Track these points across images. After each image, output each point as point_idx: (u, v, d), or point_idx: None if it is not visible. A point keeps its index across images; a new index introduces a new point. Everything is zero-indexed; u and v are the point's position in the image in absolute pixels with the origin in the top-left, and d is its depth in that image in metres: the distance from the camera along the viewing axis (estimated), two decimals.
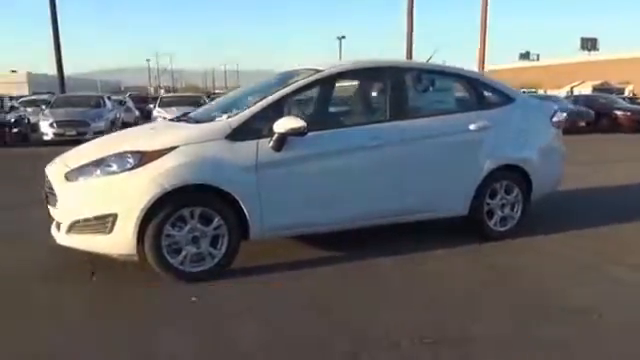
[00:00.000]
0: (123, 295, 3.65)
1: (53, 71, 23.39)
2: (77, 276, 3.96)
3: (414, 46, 25.81)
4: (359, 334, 3.06)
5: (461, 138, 4.67)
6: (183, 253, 3.80)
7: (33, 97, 26.31)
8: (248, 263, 4.17)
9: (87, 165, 3.82)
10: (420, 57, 27.71)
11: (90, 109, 15.84)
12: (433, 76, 4.80)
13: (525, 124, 5.03)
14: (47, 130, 14.60)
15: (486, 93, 5.00)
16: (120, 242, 3.68)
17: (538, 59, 74.04)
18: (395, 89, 4.51)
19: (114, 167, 3.74)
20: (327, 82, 4.47)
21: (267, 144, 3.91)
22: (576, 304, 3.49)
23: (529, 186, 5.03)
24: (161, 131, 4.33)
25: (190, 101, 19.11)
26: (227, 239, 3.89)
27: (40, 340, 3.02)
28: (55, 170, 4.00)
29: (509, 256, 4.50)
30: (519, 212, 5.02)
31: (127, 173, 3.70)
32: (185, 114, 4.96)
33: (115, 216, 3.64)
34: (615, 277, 4.01)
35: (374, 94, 4.84)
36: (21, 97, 25.93)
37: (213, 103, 5.42)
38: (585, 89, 40.73)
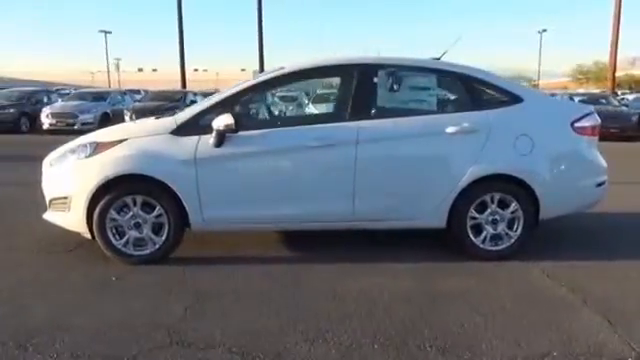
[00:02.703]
0: (74, 268, 4.15)
1: None
2: (58, 247, 4.59)
3: None
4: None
5: (433, 142, 4.21)
6: (126, 236, 4.16)
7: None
8: (207, 252, 4.42)
9: (63, 152, 4.41)
10: None
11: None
12: (409, 73, 4.37)
13: (532, 128, 4.29)
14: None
15: (481, 92, 4.40)
16: (75, 221, 4.19)
17: None
18: (360, 88, 4.26)
19: (77, 155, 4.27)
20: (279, 82, 4.41)
21: (208, 140, 4.07)
22: None
23: (535, 202, 4.32)
24: (130, 124, 4.76)
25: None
26: (167, 227, 4.16)
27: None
28: (48, 157, 4.69)
29: (466, 279, 3.96)
30: (519, 231, 4.33)
31: (83, 160, 4.19)
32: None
33: (70, 198, 4.17)
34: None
35: (336, 93, 4.61)
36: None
37: None
38: None
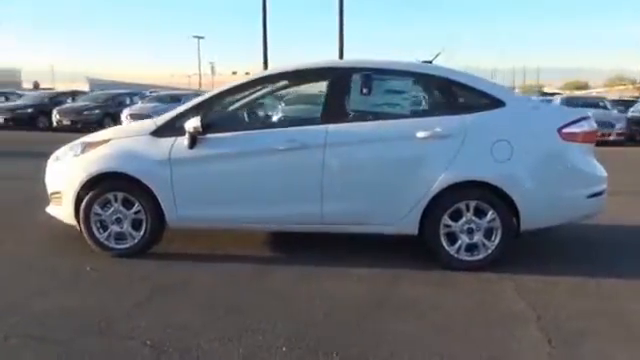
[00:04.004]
0: (60, 257, 4.46)
1: None
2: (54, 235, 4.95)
3: None
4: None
5: (403, 146, 4.10)
6: (108, 230, 4.42)
7: None
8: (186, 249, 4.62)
9: (65, 150, 4.76)
10: None
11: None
12: (384, 76, 4.27)
13: (512, 134, 4.07)
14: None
15: (458, 96, 4.23)
16: (67, 214, 4.51)
17: None
18: (332, 91, 4.25)
19: (72, 153, 4.60)
20: (253, 86, 4.48)
21: (182, 142, 4.24)
22: None
23: (516, 212, 4.09)
24: (119, 126, 5.02)
25: None
26: (145, 223, 4.37)
27: None
28: (54, 153, 5.06)
29: (425, 288, 3.83)
30: (497, 240, 4.11)
31: (74, 159, 4.51)
32: None
33: (62, 193, 4.50)
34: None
35: (310, 97, 4.59)
36: None
37: None
38: None
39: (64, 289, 3.79)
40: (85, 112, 19.19)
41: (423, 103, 4.40)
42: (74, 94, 23.01)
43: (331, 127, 4.15)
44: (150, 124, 4.44)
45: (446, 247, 4.15)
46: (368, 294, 3.74)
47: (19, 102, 21.85)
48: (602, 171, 4.31)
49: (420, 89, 4.40)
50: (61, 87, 44.78)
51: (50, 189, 4.70)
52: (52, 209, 4.72)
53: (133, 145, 4.37)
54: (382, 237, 4.58)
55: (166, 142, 4.29)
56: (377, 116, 4.23)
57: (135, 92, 23.83)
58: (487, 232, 4.13)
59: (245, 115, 4.55)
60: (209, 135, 4.21)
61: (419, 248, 4.39)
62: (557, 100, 18.83)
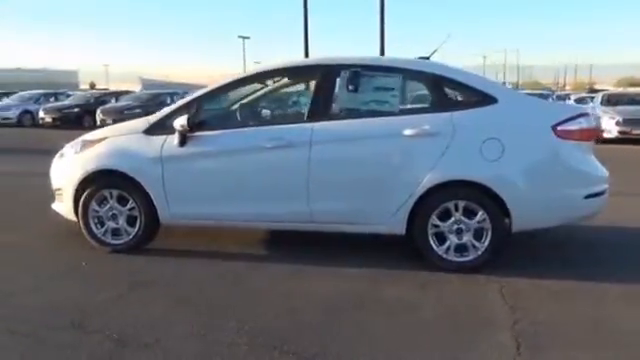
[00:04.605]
0: (61, 250, 4.62)
1: None
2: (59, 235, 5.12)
3: None
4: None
5: (390, 144, 4.03)
6: (105, 226, 4.54)
7: None
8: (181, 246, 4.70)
9: (68, 147, 4.92)
10: None
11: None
12: (373, 73, 4.17)
13: (503, 132, 3.93)
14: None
15: (448, 92, 4.11)
16: (67, 210, 4.66)
17: None
18: (320, 89, 4.21)
19: (73, 150, 4.75)
20: (243, 84, 4.48)
21: (173, 140, 4.30)
22: None
23: (507, 213, 3.95)
24: (116, 125, 5.12)
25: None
26: (139, 220, 4.47)
27: None
28: (61, 150, 5.23)
29: (409, 288, 3.75)
30: (487, 242, 3.99)
31: (74, 156, 4.66)
32: None
33: (63, 189, 4.65)
34: None
35: (297, 94, 4.55)
36: None
37: None
38: None
39: (55, 283, 3.91)
40: (126, 111, 19.76)
41: (412, 100, 4.31)
42: (118, 94, 23.80)
43: (317, 125, 4.12)
44: (144, 122, 4.53)
45: (435, 247, 4.05)
46: (351, 294, 3.69)
47: (67, 102, 22.79)
48: (602, 171, 4.11)
49: (410, 86, 4.31)
50: (115, 87, 46.50)
51: (54, 185, 4.87)
52: (56, 205, 4.89)
53: (127, 143, 4.47)
54: (378, 236, 4.51)
55: (158, 140, 4.37)
56: (364, 113, 4.16)
57: (177, 92, 24.40)
58: (477, 233, 4.00)
59: (234, 113, 4.57)
60: (198, 133, 4.26)
61: (414, 248, 4.31)
62: (571, 99, 17.94)
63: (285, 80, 4.77)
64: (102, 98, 22.64)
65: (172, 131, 4.30)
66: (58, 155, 4.99)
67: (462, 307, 3.46)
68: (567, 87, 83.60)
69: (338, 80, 4.21)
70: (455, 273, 3.99)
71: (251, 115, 4.51)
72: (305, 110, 4.24)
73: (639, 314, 3.33)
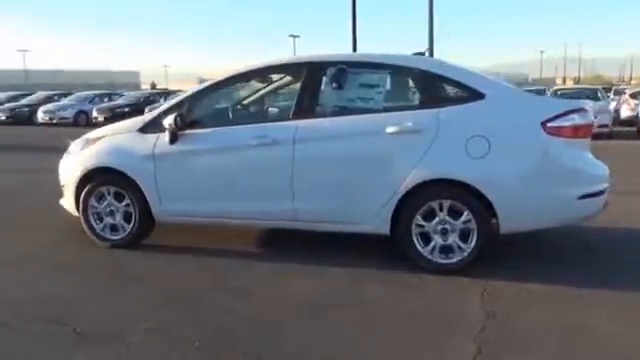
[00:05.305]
0: (64, 245, 4.80)
1: None
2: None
3: None
4: None
5: (372, 142, 3.94)
6: (103, 222, 4.69)
7: None
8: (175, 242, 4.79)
9: (73, 145, 5.10)
10: None
11: None
12: (358, 70, 4.08)
13: (490, 129, 3.77)
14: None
15: (434, 88, 3.98)
16: (70, 205, 4.84)
17: None
18: (305, 86, 4.17)
19: (77, 148, 4.92)
20: (232, 82, 4.49)
21: (165, 138, 4.39)
22: None
23: (494, 213, 3.79)
24: (116, 123, 5.24)
25: (586, 94, 16.41)
26: (134, 216, 4.58)
27: None
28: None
29: (389, 289, 3.67)
30: (473, 243, 3.84)
31: (76, 154, 4.83)
32: None
33: (66, 186, 4.83)
34: None
35: (283, 92, 4.50)
36: None
37: None
38: None
39: (50, 277, 4.04)
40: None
41: (397, 96, 4.20)
42: (167, 94, 24.53)
43: (301, 123, 4.09)
44: (139, 121, 4.64)
45: (419, 248, 3.94)
46: (330, 293, 3.66)
47: (118, 102, 23.76)
48: (600, 169, 3.88)
49: (396, 82, 4.21)
50: (174, 87, 48.05)
51: (60, 182, 5.07)
52: (62, 201, 5.09)
53: (122, 141, 4.59)
54: (368, 235, 4.42)
55: (151, 138, 4.46)
56: (349, 111, 4.10)
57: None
58: (463, 234, 3.86)
59: (223, 111, 4.60)
60: (188, 131, 4.32)
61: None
62: (626, 93, 16.81)
63: (273, 78, 4.77)
64: (151, 98, 23.45)
65: (164, 129, 4.38)
66: (66, 153, 5.19)
67: (438, 310, 3.36)
68: (633, 81, 79.41)
69: (323, 77, 4.16)
70: (440, 275, 3.87)
71: (239, 113, 4.54)
72: (291, 108, 4.21)
73: (621, 324, 3.11)
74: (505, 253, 4.18)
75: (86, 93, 25.57)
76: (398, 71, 4.16)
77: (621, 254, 4.35)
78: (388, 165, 3.90)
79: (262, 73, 4.68)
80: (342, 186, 4.03)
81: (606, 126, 13.81)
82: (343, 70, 4.10)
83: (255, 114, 4.64)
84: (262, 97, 4.80)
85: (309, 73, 4.20)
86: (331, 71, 4.12)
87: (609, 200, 3.96)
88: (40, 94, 27.01)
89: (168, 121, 4.24)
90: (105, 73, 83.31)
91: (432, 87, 4.00)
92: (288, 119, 4.18)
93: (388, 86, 4.12)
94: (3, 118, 23.38)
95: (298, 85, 4.22)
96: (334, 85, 4.10)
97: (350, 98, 4.13)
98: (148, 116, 4.61)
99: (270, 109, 4.74)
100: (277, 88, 4.78)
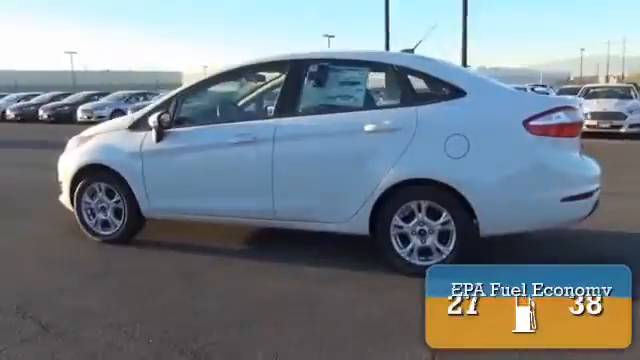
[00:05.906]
0: (61, 239, 4.92)
1: None
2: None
3: None
4: None
5: (350, 141, 3.87)
6: (96, 218, 4.78)
7: None
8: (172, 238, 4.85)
9: (71, 142, 5.21)
10: None
11: None
12: (339, 67, 4.01)
13: (469, 127, 3.64)
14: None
15: (416, 85, 3.87)
16: (66, 201, 4.96)
17: None
18: (286, 85, 4.14)
19: (74, 145, 5.03)
20: (216, 81, 4.49)
21: (152, 136, 4.44)
22: None
23: (473, 215, 3.67)
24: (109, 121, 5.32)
25: (618, 93, 15.86)
26: (124, 213, 4.65)
27: None
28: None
29: (357, 292, 3.59)
30: (451, 246, 3.72)
31: (73, 151, 4.94)
32: None
33: (62, 182, 4.95)
34: None
35: (266, 90, 4.46)
36: None
37: None
38: None
39: (34, 270, 4.17)
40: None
41: (378, 94, 4.11)
42: None
43: (282, 121, 4.06)
44: (129, 119, 4.71)
45: (397, 249, 3.85)
46: (298, 294, 3.60)
47: (152, 100, 24.29)
48: (591, 170, 3.70)
49: (376, 79, 4.12)
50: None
51: (59, 178, 5.20)
52: (61, 197, 5.21)
53: (111, 139, 4.67)
54: (351, 236, 4.37)
55: (139, 136, 4.51)
56: (328, 109, 4.04)
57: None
58: (441, 235, 3.75)
59: (207, 109, 4.62)
60: (173, 129, 4.35)
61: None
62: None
63: (257, 76, 4.76)
64: None
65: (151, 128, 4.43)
66: (65, 150, 5.32)
67: (401, 314, 3.24)
68: None
69: (304, 75, 4.11)
70: (418, 277, 3.76)
71: (223, 111, 4.55)
72: (272, 106, 4.19)
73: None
74: (485, 255, 4.03)
75: (123, 92, 26.22)
76: (378, 67, 4.08)
77: (613, 260, 4.13)
78: (366, 164, 3.83)
79: (246, 71, 4.67)
80: (320, 185, 3.98)
81: (638, 125, 13.19)
82: (323, 67, 4.05)
83: (238, 112, 4.64)
84: (246, 95, 4.80)
85: (291, 71, 4.17)
86: (312, 68, 4.08)
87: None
88: (80, 94, 27.87)
89: (153, 119, 4.29)
90: (150, 74, 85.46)
91: (412, 84, 3.91)
92: (269, 117, 4.17)
93: (368, 84, 4.04)
94: (45, 117, 24.25)
95: (280, 83, 4.20)
96: (315, 83, 4.06)
97: (330, 96, 4.07)
98: (137, 114, 4.67)
99: (253, 107, 4.74)
100: (261, 86, 4.77)
